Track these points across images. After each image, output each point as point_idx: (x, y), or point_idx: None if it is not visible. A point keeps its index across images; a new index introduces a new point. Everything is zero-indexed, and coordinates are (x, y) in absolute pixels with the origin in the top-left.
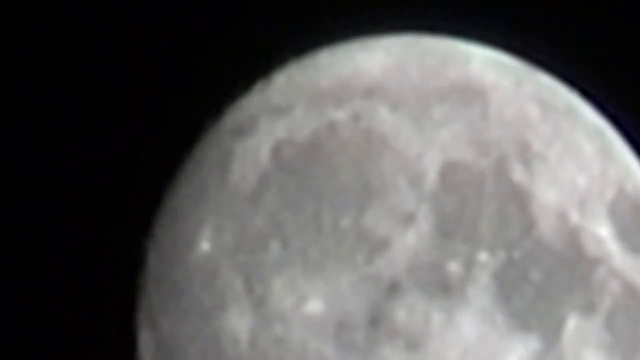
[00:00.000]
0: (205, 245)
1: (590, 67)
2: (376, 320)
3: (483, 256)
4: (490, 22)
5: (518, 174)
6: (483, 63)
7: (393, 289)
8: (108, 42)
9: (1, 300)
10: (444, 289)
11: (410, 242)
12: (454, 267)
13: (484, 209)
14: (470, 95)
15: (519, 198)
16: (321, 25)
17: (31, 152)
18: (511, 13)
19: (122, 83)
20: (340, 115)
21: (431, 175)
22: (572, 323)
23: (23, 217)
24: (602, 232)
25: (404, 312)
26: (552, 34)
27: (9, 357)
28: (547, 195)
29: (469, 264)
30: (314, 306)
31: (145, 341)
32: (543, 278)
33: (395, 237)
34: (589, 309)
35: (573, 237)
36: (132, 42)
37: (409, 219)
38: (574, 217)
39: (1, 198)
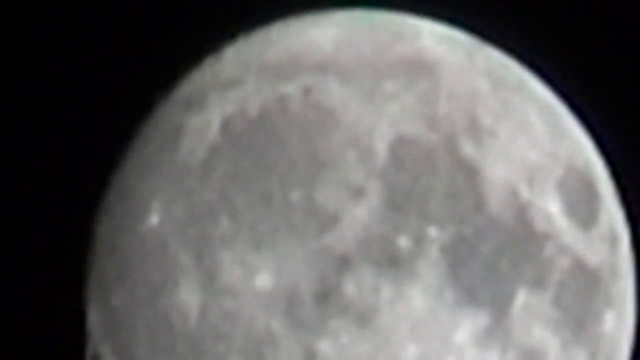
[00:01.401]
0: (154, 219)
1: (540, 42)
2: (326, 295)
3: (433, 231)
4: None
5: (468, 149)
6: (433, 38)
7: (343, 263)
8: (59, 14)
9: None
10: (394, 264)
11: (360, 216)
12: (403, 241)
13: (434, 184)
14: (420, 69)
15: (469, 173)
16: None
17: None
18: None
19: (73, 54)
20: (290, 89)
21: (381, 150)
22: (521, 298)
23: None
24: (551, 208)
25: (354, 286)
26: (502, 8)
27: None
28: (496, 171)
29: (419, 239)
30: (264, 280)
31: (95, 316)
32: (492, 253)
33: (345, 212)
34: (537, 284)
35: (522, 212)
36: (83, 16)
37: (359, 193)
38: (524, 193)
39: None
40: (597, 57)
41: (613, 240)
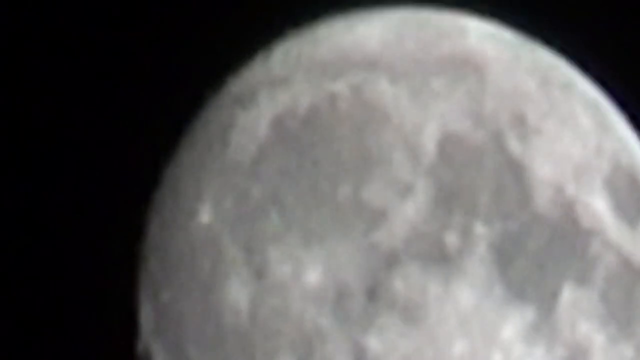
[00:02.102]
0: (205, 216)
1: (588, 41)
2: (374, 291)
3: (480, 227)
4: None
5: (514, 146)
6: (480, 35)
7: (391, 260)
8: (112, 13)
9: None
10: (442, 260)
11: (408, 213)
12: (451, 238)
13: (481, 180)
14: (467, 67)
15: (516, 170)
16: None
17: (34, 124)
18: None
19: (125, 52)
20: (339, 86)
21: (429, 147)
22: (567, 294)
23: (23, 188)
24: (597, 205)
25: (402, 283)
26: (550, 8)
27: (7, 330)
28: (543, 168)
29: (466, 235)
30: (313, 277)
31: (146, 313)
32: (539, 249)
33: (393, 209)
34: (584, 280)
35: (569, 209)
36: (136, 12)
37: (407, 190)
38: (570, 190)
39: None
40: None
41: None
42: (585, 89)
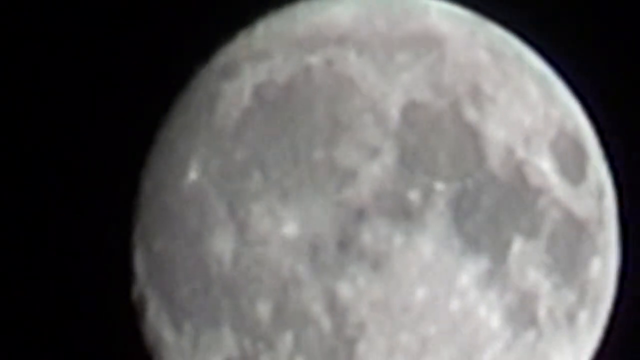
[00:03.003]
0: (193, 175)
1: (536, 18)
2: (345, 243)
3: (440, 186)
4: None
5: (471, 113)
6: (440, 15)
7: (360, 215)
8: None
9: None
10: (405, 215)
11: (375, 173)
12: (414, 195)
13: (441, 144)
14: (428, 43)
15: (472, 135)
16: None
17: (36, 95)
18: None
19: (123, 30)
20: (314, 60)
21: (394, 114)
22: (517, 245)
23: (25, 151)
24: (544, 166)
25: (370, 235)
26: None
27: (12, 282)
28: (496, 133)
29: (427, 193)
30: (290, 229)
31: (140, 261)
32: (492, 205)
33: (362, 169)
34: (532, 233)
35: (519, 169)
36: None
37: (375, 152)
38: (520, 152)
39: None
40: (585, 32)
41: (599, 195)
42: (534, 63)
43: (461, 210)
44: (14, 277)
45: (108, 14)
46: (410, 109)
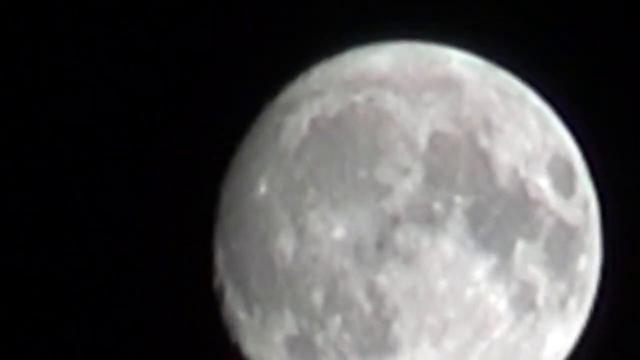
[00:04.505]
0: (262, 189)
1: (534, 65)
2: (382, 243)
3: (458, 199)
4: (466, 33)
5: (483, 141)
6: (459, 62)
7: (395, 221)
8: (187, 32)
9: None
10: (431, 222)
11: (407, 188)
12: (437, 206)
13: (459, 165)
14: (450, 84)
15: (484, 158)
16: (346, 34)
17: (119, 119)
18: (480, 28)
19: (204, 71)
20: (358, 98)
21: (422, 141)
22: (520, 246)
23: (113, 159)
24: (542, 183)
25: (402, 237)
26: (508, 40)
27: (103, 270)
28: (503, 157)
29: (448, 205)
30: (338, 233)
31: (220, 257)
32: (500, 214)
33: (396, 185)
34: (532, 236)
35: (522, 186)
36: (212, 39)
37: (406, 172)
38: (523, 172)
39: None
40: (576, 75)
41: (585, 205)
42: (534, 100)
43: (475, 218)
44: (131, 272)
45: (192, 63)
46: (435, 137)
